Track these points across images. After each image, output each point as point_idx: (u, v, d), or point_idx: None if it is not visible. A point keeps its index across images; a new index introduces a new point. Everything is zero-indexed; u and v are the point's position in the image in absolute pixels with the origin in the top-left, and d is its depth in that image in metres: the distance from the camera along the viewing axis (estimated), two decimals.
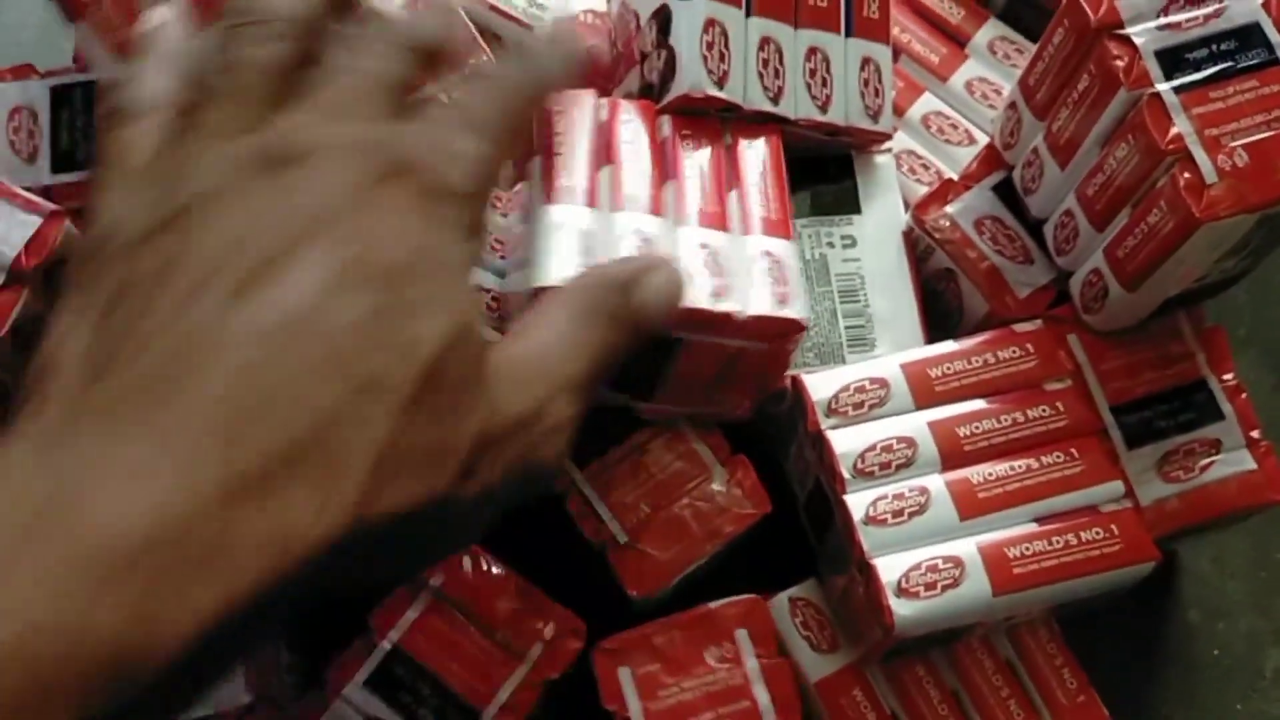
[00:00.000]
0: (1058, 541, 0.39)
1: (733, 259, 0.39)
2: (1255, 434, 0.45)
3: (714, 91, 0.43)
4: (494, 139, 0.29)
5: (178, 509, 0.21)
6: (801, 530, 0.46)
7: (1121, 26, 0.41)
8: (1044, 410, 0.42)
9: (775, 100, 0.45)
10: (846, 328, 0.47)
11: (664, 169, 0.41)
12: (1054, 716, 0.43)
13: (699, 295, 0.37)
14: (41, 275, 0.38)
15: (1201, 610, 0.51)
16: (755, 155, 0.43)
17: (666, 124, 0.42)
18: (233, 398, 0.22)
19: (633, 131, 0.41)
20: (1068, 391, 0.43)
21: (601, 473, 0.43)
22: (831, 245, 0.48)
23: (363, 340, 0.23)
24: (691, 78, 0.43)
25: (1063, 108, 0.44)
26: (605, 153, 0.40)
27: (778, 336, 0.39)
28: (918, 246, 0.49)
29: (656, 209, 0.39)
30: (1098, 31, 0.41)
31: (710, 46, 0.43)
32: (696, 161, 0.41)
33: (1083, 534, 0.40)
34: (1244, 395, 0.45)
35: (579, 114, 0.40)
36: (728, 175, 0.42)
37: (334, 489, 0.22)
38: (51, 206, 0.39)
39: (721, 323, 0.38)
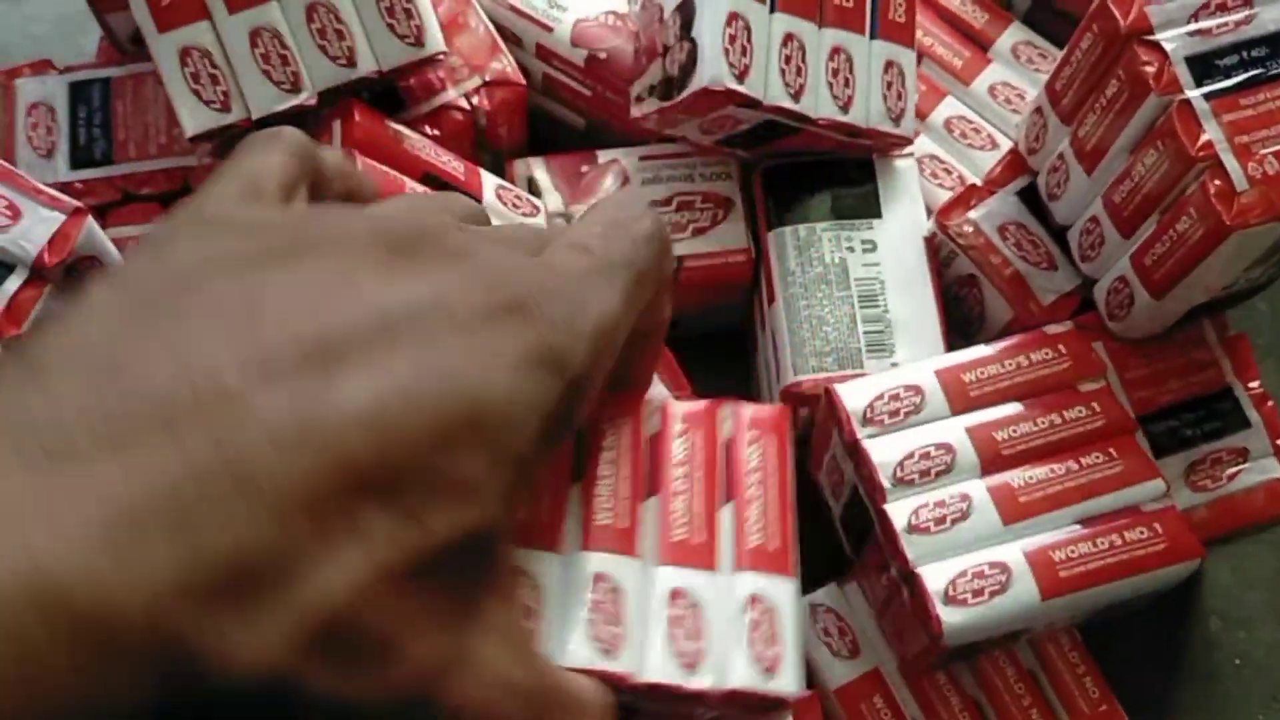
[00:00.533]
0: (1102, 543, 0.39)
1: (713, 609, 0.33)
2: None
3: (734, 85, 0.42)
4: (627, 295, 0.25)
5: None
6: (821, 536, 0.46)
7: (1151, 32, 0.41)
8: (1080, 411, 0.42)
9: (796, 98, 0.45)
10: (865, 333, 0.47)
11: (644, 480, 0.34)
12: None
13: (666, 666, 0.31)
14: (63, 273, 0.38)
15: (1222, 620, 0.51)
16: (758, 457, 0.35)
17: (655, 416, 0.34)
18: None
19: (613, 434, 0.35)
20: (1102, 391, 0.43)
21: None
22: (851, 249, 0.48)
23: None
24: (712, 71, 0.42)
25: (1090, 113, 0.43)
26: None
27: (760, 711, 0.33)
28: (940, 252, 0.48)
29: (628, 545, 0.33)
30: (1127, 37, 0.41)
31: (732, 40, 0.43)
32: (687, 467, 0.34)
33: (1127, 534, 0.39)
34: (1270, 403, 0.45)
35: None
36: (723, 483, 0.34)
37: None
38: (75, 204, 0.38)
39: (691, 698, 0.32)
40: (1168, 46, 0.40)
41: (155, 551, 0.18)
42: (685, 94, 0.43)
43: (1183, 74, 0.40)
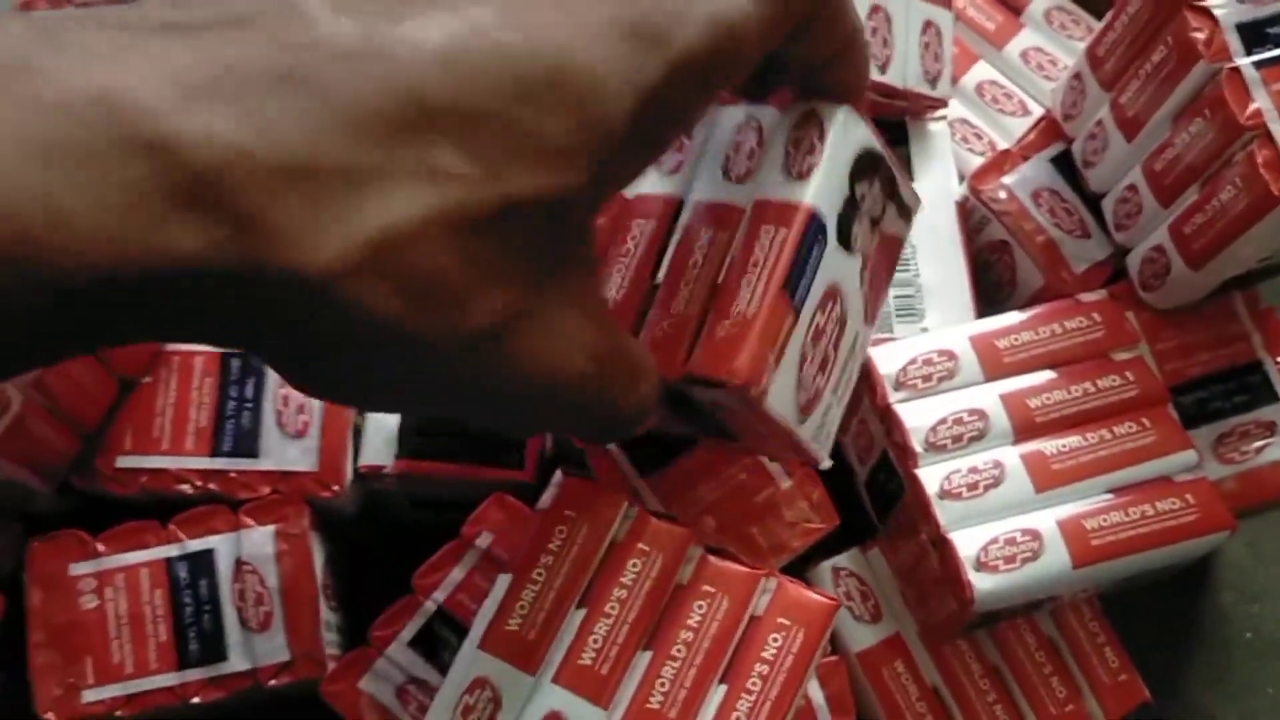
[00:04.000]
0: (1134, 513, 0.39)
1: None
2: None
3: None
4: None
5: None
6: (844, 499, 0.45)
7: None
8: (1114, 380, 0.42)
9: None
10: (895, 297, 0.46)
11: (646, 631, 0.32)
12: (1095, 694, 0.42)
13: None
14: None
15: (1235, 593, 0.51)
16: (778, 648, 0.33)
17: (692, 565, 0.33)
18: None
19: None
20: (1136, 361, 0.43)
21: (664, 484, 0.41)
22: None
23: None
24: None
25: (1133, 79, 0.43)
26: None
27: None
28: (971, 217, 0.48)
29: (600, 694, 0.31)
30: (1177, 2, 0.40)
31: None
32: (694, 634, 0.32)
33: (1158, 504, 0.39)
34: None
35: None
36: (727, 662, 0.32)
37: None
38: None
39: None
40: (1218, 13, 0.40)
41: (227, 117, 0.17)
42: None
43: (1233, 41, 0.39)
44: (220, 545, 0.41)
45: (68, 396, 0.40)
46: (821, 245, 0.30)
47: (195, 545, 0.41)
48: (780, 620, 0.33)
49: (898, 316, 0.46)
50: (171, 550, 0.41)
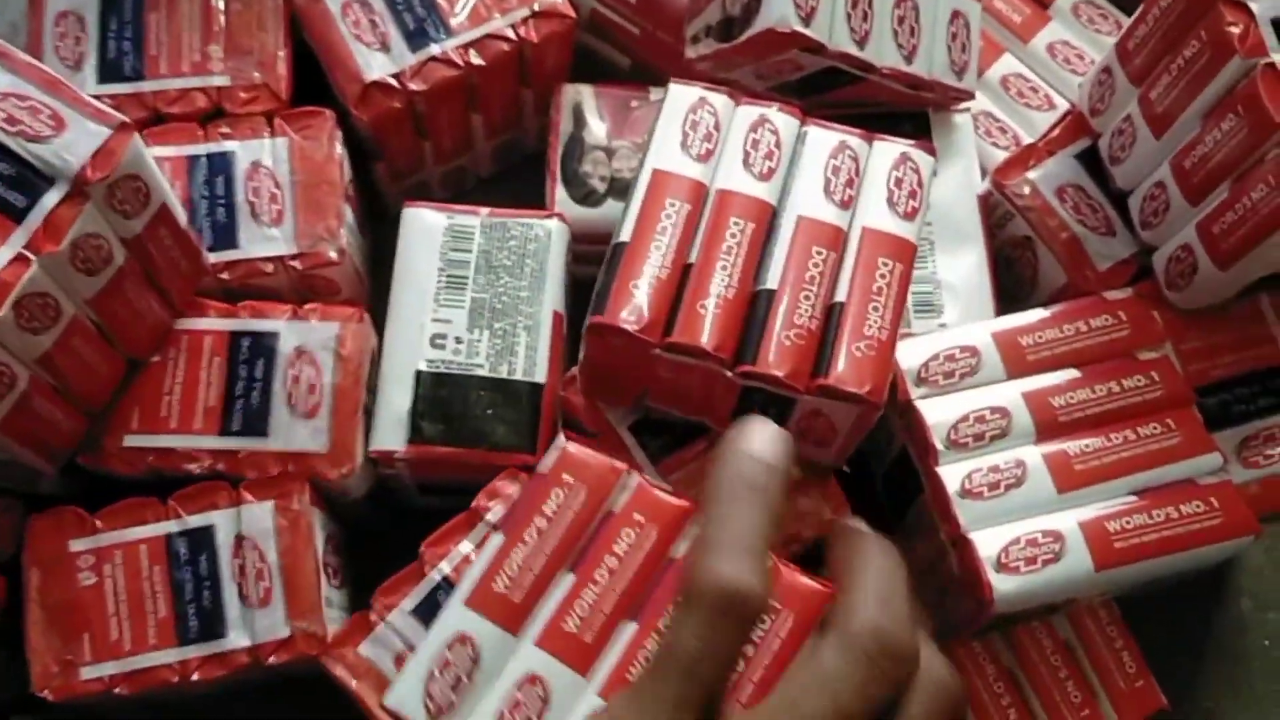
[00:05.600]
0: (1158, 515, 0.38)
1: None
2: None
3: (800, 28, 0.41)
4: None
5: None
6: (861, 494, 0.45)
7: None
8: (1139, 380, 0.41)
9: (861, 44, 0.43)
10: (914, 292, 0.45)
11: (633, 603, 0.31)
12: (1111, 699, 0.42)
13: None
14: (104, 191, 0.36)
15: (1253, 601, 0.50)
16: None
17: (685, 544, 0.31)
18: None
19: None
20: (1161, 361, 0.42)
21: (674, 470, 0.41)
22: None
23: None
24: (779, 11, 0.41)
25: (1164, 74, 0.42)
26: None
27: None
28: (993, 213, 0.47)
29: (582, 661, 0.30)
30: None
31: None
32: None
33: (1182, 507, 0.38)
34: None
35: None
36: None
37: None
38: (121, 118, 0.36)
39: None
40: (1255, 7, 0.39)
41: None
42: (747, 34, 0.42)
43: (1269, 36, 0.38)
44: (220, 521, 0.40)
45: (75, 375, 0.39)
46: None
47: (195, 521, 0.40)
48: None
49: (916, 312, 0.45)
50: (171, 526, 0.40)
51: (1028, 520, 0.38)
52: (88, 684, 0.38)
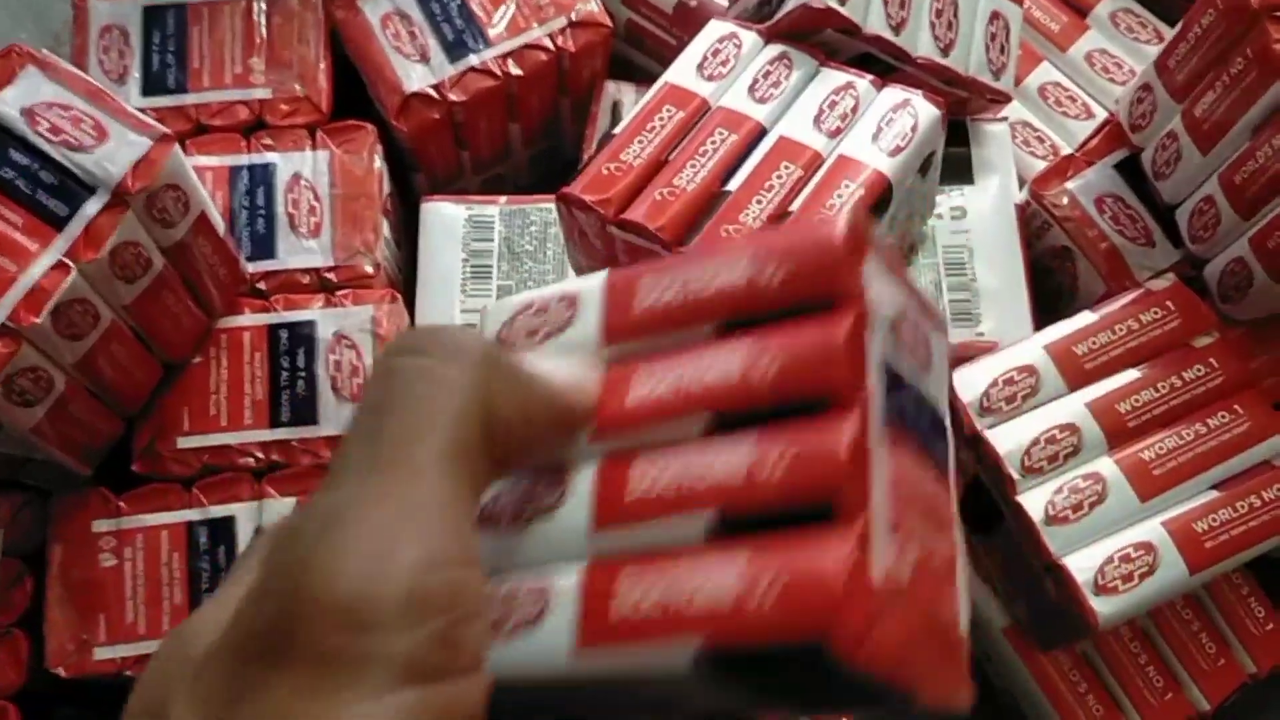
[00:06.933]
0: (1242, 506, 0.38)
1: None
2: None
3: (835, 4, 0.40)
4: None
5: None
6: None
7: None
8: (1199, 370, 0.40)
9: (896, 31, 0.42)
10: (951, 301, 0.45)
11: None
12: (1245, 646, 0.43)
13: None
14: (144, 200, 0.37)
15: None
16: None
17: None
18: None
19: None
20: (1216, 345, 0.41)
21: None
22: (940, 216, 0.46)
23: None
24: None
25: (1208, 90, 0.41)
26: None
27: None
28: (1031, 223, 0.47)
29: None
30: (1258, 13, 0.39)
31: None
32: None
33: (1264, 493, 0.38)
34: None
35: None
36: None
37: None
38: (162, 129, 0.36)
39: None
40: None
41: None
42: (783, 11, 0.41)
43: None
44: (242, 513, 0.40)
45: (112, 379, 0.39)
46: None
47: (217, 511, 0.40)
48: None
49: (954, 322, 0.45)
50: (193, 514, 0.40)
51: (1116, 535, 0.38)
52: (100, 664, 0.38)
